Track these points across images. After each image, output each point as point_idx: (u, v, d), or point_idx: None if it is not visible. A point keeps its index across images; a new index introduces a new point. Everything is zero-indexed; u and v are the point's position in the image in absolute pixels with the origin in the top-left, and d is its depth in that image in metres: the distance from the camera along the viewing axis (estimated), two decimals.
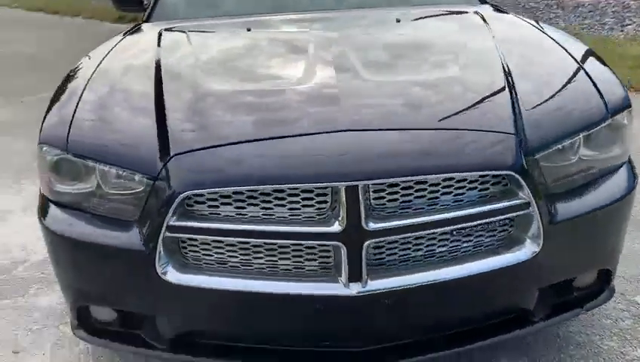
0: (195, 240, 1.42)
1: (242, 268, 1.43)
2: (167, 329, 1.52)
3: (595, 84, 1.65)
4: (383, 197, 1.35)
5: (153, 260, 1.39)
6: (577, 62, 1.78)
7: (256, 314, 1.45)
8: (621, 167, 1.66)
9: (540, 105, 1.58)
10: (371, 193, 1.34)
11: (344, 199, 1.29)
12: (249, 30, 2.18)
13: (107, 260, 1.49)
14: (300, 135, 1.41)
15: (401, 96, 1.59)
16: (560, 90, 1.66)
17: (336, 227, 1.31)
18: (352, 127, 1.39)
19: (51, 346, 1.97)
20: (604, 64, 1.81)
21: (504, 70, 1.71)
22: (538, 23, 2.22)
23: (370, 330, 1.46)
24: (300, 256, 1.40)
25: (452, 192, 1.38)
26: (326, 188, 1.31)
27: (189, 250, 1.44)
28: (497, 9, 2.52)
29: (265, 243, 1.39)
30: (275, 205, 1.35)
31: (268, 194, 1.35)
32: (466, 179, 1.38)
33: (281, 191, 1.34)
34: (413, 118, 1.48)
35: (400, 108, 1.52)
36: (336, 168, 1.30)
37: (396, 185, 1.34)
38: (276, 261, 1.41)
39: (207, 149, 1.40)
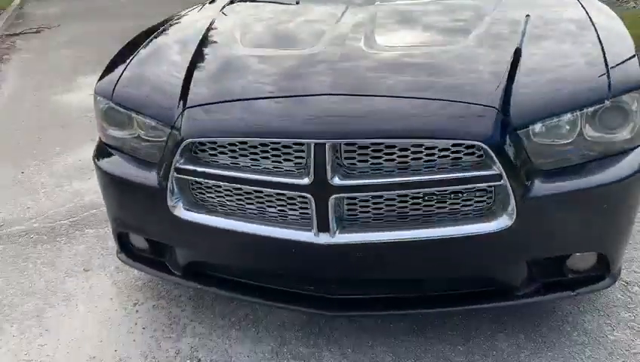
0: (200, 183, 1.65)
1: (237, 211, 1.64)
2: (180, 258, 1.79)
3: (605, 62, 1.61)
4: (354, 158, 1.48)
5: (165, 196, 1.65)
6: (598, 38, 1.73)
7: (245, 253, 1.66)
8: (630, 151, 1.60)
9: (536, 81, 1.58)
10: (343, 153, 1.47)
11: (313, 155, 1.44)
12: (297, 3, 2.36)
13: (137, 194, 1.77)
14: (286, 96, 1.57)
15: (396, 66, 1.68)
16: (565, 67, 1.64)
17: (305, 180, 1.47)
18: (332, 92, 1.53)
19: (113, 269, 2.34)
20: (628, 42, 1.74)
21: (517, 45, 1.72)
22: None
23: (338, 279, 1.60)
24: (283, 205, 1.57)
25: (422, 158, 1.47)
26: (302, 144, 1.47)
27: (197, 191, 1.67)
28: None
29: (254, 190, 1.58)
30: (261, 157, 1.54)
31: (255, 147, 1.53)
32: (436, 147, 1.45)
33: (266, 145, 1.52)
34: (396, 86, 1.57)
35: (388, 77, 1.61)
36: (309, 127, 1.45)
37: (366, 147, 1.46)
38: (264, 207, 1.60)
39: (209, 105, 1.62)
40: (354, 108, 1.49)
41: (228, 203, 1.64)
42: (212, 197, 1.66)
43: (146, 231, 1.83)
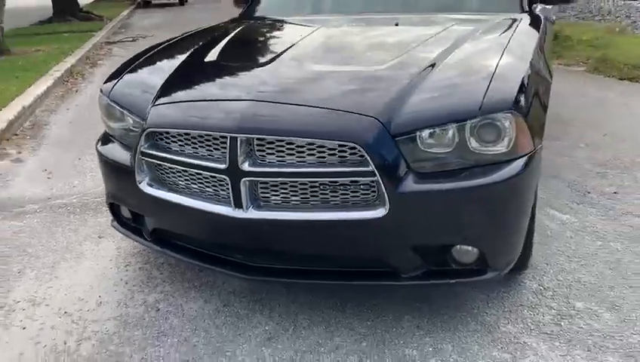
0: (160, 164, 2.10)
1: (184, 188, 2.07)
2: (148, 225, 2.25)
3: (489, 83, 1.89)
4: (264, 151, 1.87)
5: (134, 174, 2.12)
6: (499, 61, 2.01)
7: (188, 223, 2.09)
8: (507, 162, 1.87)
9: (426, 97, 1.89)
10: (255, 146, 1.87)
11: (229, 146, 1.85)
12: (291, 24, 2.81)
13: (120, 173, 2.25)
14: (221, 100, 2.01)
15: (313, 81, 2.05)
16: (457, 85, 1.94)
17: (223, 165, 1.88)
18: (255, 98, 1.93)
19: (120, 238, 2.84)
20: (521, 67, 2.00)
21: (429, 66, 2.04)
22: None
23: (255, 249, 2.00)
24: (215, 185, 1.98)
25: (315, 154, 1.83)
26: (225, 137, 1.88)
27: (159, 171, 2.13)
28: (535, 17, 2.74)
29: (195, 172, 2.01)
30: (199, 146, 1.97)
31: (195, 138, 1.97)
32: (325, 146, 1.81)
33: (202, 136, 1.94)
34: (305, 97, 1.94)
35: (304, 89, 1.99)
36: (229, 124, 1.86)
37: (272, 142, 1.85)
38: (203, 187, 2.02)
39: (167, 104, 2.07)
40: (265, 112, 1.88)
41: (178, 181, 2.08)
42: (168, 177, 2.11)
43: (125, 202, 2.31)
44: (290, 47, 2.39)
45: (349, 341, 2.04)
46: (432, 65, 2.07)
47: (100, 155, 2.35)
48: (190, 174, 2.03)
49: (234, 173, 1.86)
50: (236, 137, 1.84)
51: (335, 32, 2.57)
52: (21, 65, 7.63)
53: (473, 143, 1.83)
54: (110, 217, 2.52)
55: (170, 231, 2.21)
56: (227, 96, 2.03)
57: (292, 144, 1.83)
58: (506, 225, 1.92)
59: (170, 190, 2.09)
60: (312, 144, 1.82)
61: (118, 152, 2.26)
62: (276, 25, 3.06)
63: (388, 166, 1.79)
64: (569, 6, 12.20)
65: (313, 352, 2.00)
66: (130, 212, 2.36)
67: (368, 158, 1.76)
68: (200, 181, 2.02)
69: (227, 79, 2.17)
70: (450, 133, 1.82)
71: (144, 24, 14.12)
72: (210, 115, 1.95)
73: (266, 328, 2.14)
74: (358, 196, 1.86)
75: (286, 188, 1.89)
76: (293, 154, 1.85)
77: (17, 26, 14.35)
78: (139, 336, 2.13)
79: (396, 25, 2.65)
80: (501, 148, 1.85)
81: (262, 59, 2.29)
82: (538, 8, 3.02)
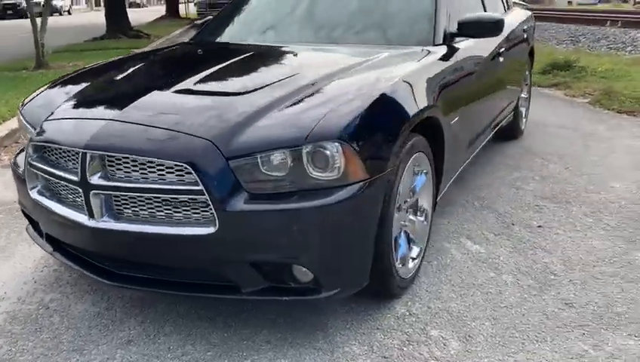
0: (44, 174, 2.31)
1: (59, 196, 2.27)
2: (42, 229, 2.46)
3: (327, 113, 2.00)
4: (114, 166, 2.04)
5: (25, 182, 2.35)
6: (354, 95, 2.13)
7: (61, 228, 2.28)
8: (337, 188, 1.96)
9: (267, 124, 2.01)
10: (107, 161, 2.04)
11: (80, 160, 2.04)
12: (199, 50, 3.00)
13: (21, 182, 2.48)
14: (82, 118, 2.20)
15: (179, 104, 2.21)
16: (301, 113, 2.05)
17: (76, 178, 2.06)
18: (113, 118, 2.11)
19: None
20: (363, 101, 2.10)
21: (289, 95, 2.17)
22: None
23: (108, 256, 2.16)
24: (76, 196, 2.16)
25: (156, 172, 1.98)
26: (77, 152, 2.06)
27: (47, 181, 2.34)
28: (453, 47, 2.86)
29: (64, 184, 2.20)
30: (61, 158, 2.17)
31: (60, 151, 2.16)
32: (164, 165, 1.96)
33: (63, 150, 2.14)
34: (159, 119, 2.10)
35: (162, 111, 2.15)
36: (80, 141, 2.05)
37: (118, 159, 2.02)
38: (68, 195, 2.21)
39: (49, 120, 2.29)
40: (116, 131, 2.06)
41: (59, 191, 2.28)
42: (53, 186, 2.31)
43: (27, 208, 2.54)
44: (184, 71, 2.58)
45: (198, 349, 2.17)
46: (293, 95, 2.19)
47: (12, 165, 2.59)
48: (61, 185, 2.23)
49: (84, 185, 2.05)
50: (85, 153, 2.02)
51: (238, 59, 2.74)
52: (51, 77, 8.21)
53: (309, 169, 1.94)
54: None
55: (53, 235, 2.41)
56: (94, 115, 2.23)
57: (136, 161, 2.00)
58: (334, 249, 2.01)
59: (52, 198, 2.29)
60: (152, 162, 1.98)
61: (21, 163, 2.50)
62: (201, 49, 3.27)
63: (217, 186, 1.91)
64: (602, 36, 11.95)
65: (160, 357, 2.13)
66: (29, 217, 2.58)
67: (197, 178, 1.90)
68: (67, 191, 2.21)
69: (107, 100, 2.37)
70: (284, 158, 1.93)
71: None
72: (71, 131, 2.15)
73: (132, 332, 2.29)
74: (197, 213, 1.99)
75: (135, 202, 2.05)
76: (137, 171, 2.01)
77: (72, 42, 15.34)
78: (17, 330, 2.32)
79: (294, 55, 2.79)
80: (332, 174, 1.95)
81: (150, 83, 2.49)
82: (463, 42, 3.07)
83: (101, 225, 2.06)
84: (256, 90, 2.26)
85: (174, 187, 1.96)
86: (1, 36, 16.89)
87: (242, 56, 2.78)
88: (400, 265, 2.39)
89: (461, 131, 2.99)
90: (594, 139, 4.93)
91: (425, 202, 2.66)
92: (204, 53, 3.17)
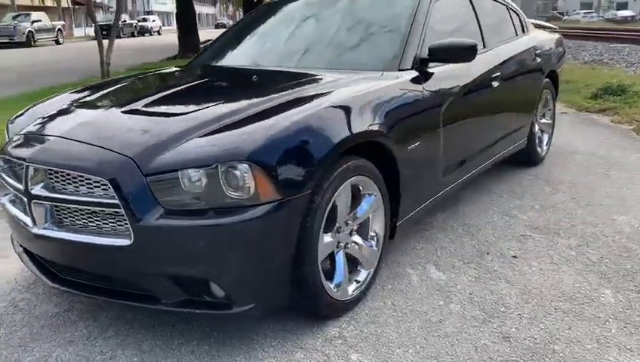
0: (5, 183, 2.54)
1: (18, 203, 2.48)
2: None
3: (243, 136, 2.10)
4: (52, 179, 2.22)
5: None
6: (276, 119, 2.22)
7: (21, 235, 2.48)
8: (248, 208, 2.04)
9: (191, 145, 2.12)
10: (47, 174, 2.23)
11: (24, 172, 2.24)
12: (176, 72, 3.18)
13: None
14: (38, 134, 2.41)
15: (121, 123, 2.37)
16: (221, 136, 2.15)
17: (22, 187, 2.27)
18: (60, 135, 2.31)
19: None
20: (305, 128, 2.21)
21: (221, 118, 2.27)
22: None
23: (46, 258, 2.35)
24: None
25: (85, 185, 2.15)
26: (22, 165, 2.27)
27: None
28: (424, 72, 2.92)
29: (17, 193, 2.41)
30: (16, 170, 2.38)
31: (14, 162, 2.38)
32: (91, 178, 2.12)
33: (15, 162, 2.35)
34: (95, 136, 2.26)
35: (103, 129, 2.32)
36: (25, 154, 2.26)
37: (56, 172, 2.20)
38: (20, 202, 2.42)
39: (16, 135, 2.52)
40: (56, 147, 2.25)
41: (17, 199, 2.50)
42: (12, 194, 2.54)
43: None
44: (147, 92, 2.77)
45: (126, 354, 2.29)
46: (223, 117, 2.29)
47: None
48: (17, 194, 2.44)
49: (27, 195, 2.25)
50: (28, 166, 2.22)
51: (199, 82, 2.90)
52: None
53: (225, 188, 2.03)
54: None
55: (16, 239, 2.63)
56: (48, 132, 2.43)
57: (69, 175, 2.17)
58: (244, 266, 2.08)
59: (16, 205, 2.51)
60: (82, 176, 2.14)
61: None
62: (181, 71, 3.45)
63: (133, 201, 2.04)
64: None
65: (90, 359, 2.27)
66: None
67: (114, 192, 2.04)
68: (19, 200, 2.42)
69: (67, 118, 2.57)
70: (199, 176, 2.04)
71: None
72: (24, 146, 2.36)
73: (76, 334, 2.45)
74: (119, 225, 2.13)
75: (71, 213, 2.22)
76: (71, 184, 2.18)
77: (149, 61, 16.32)
78: None
79: (253, 78, 2.90)
80: (243, 194, 2.03)
81: (111, 103, 2.68)
82: (439, 68, 3.06)
83: (41, 231, 2.25)
84: (192, 112, 2.38)
85: (98, 200, 2.11)
86: (83, 55, 18.19)
87: (204, 80, 2.95)
88: (334, 287, 2.41)
89: (428, 158, 2.97)
90: (618, 169, 4.67)
91: (377, 227, 2.67)
92: (180, 75, 3.35)
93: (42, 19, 31.12)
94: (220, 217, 2.03)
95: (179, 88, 2.79)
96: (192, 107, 2.47)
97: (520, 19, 4.53)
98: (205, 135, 2.17)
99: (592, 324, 2.42)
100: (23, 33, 29.01)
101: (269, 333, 2.39)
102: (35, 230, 2.27)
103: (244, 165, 2.01)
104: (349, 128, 2.34)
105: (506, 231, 3.43)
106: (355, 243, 2.56)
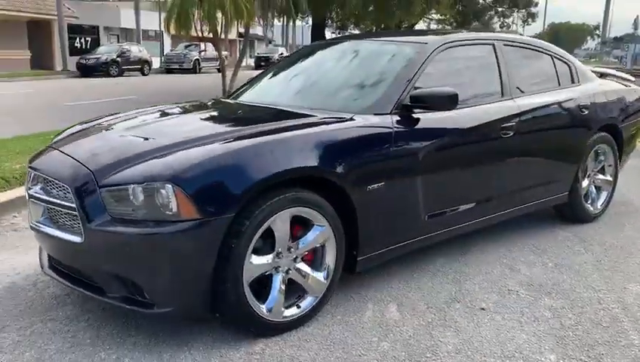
0: None
1: None
2: None
3: (175, 160, 2.47)
4: (47, 185, 2.75)
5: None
6: (209, 150, 2.56)
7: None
8: (171, 223, 2.37)
9: (140, 165, 2.52)
10: (46, 181, 2.77)
11: (28, 176, 2.80)
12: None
13: None
14: (52, 147, 2.96)
15: (109, 143, 2.83)
16: (162, 161, 2.52)
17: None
18: (60, 149, 2.84)
19: None
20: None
21: (184, 145, 2.65)
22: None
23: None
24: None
25: (62, 191, 2.62)
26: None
27: None
28: (405, 117, 3.09)
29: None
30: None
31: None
32: (63, 185, 2.60)
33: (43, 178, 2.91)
34: (79, 152, 2.75)
35: (93, 147, 2.79)
36: (31, 162, 2.81)
37: (45, 178, 2.72)
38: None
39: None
40: (52, 158, 2.79)
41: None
42: None
43: None
44: (154, 119, 3.24)
45: (85, 336, 2.72)
46: (181, 145, 2.64)
47: None
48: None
49: (28, 194, 2.80)
50: (30, 171, 2.78)
51: (193, 114, 3.36)
52: None
53: (157, 202, 2.40)
54: None
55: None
56: (57, 146, 2.97)
57: (52, 181, 2.69)
58: (162, 273, 2.41)
59: None
60: (58, 182, 2.64)
61: None
62: (210, 106, 3.86)
63: (86, 206, 2.49)
64: None
65: (62, 330, 2.73)
66: None
67: (72, 197, 2.50)
68: None
69: (76, 136, 3.12)
70: (136, 192, 2.42)
71: None
72: (36, 156, 2.94)
73: (60, 314, 2.94)
74: (77, 224, 2.57)
75: (56, 212, 2.72)
76: (55, 189, 2.69)
77: None
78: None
79: (239, 112, 3.23)
80: (168, 211, 2.38)
81: (121, 125, 3.20)
82: (426, 114, 3.17)
83: (35, 226, 2.78)
84: (159, 138, 2.78)
85: (66, 203, 2.58)
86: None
87: (201, 112, 3.37)
88: (265, 308, 2.63)
89: (400, 200, 3.07)
90: None
91: (329, 258, 2.84)
92: (188, 108, 3.75)
93: (208, 49, 34.55)
94: (144, 228, 2.39)
95: (173, 118, 3.24)
96: (165, 134, 2.89)
97: (571, 69, 4.37)
98: (155, 158, 2.55)
99: None
100: (191, 61, 32.47)
101: (203, 341, 2.66)
102: (32, 223, 2.81)
103: (169, 186, 2.35)
104: (285, 163, 2.57)
105: (496, 284, 3.36)
106: (299, 270, 2.76)
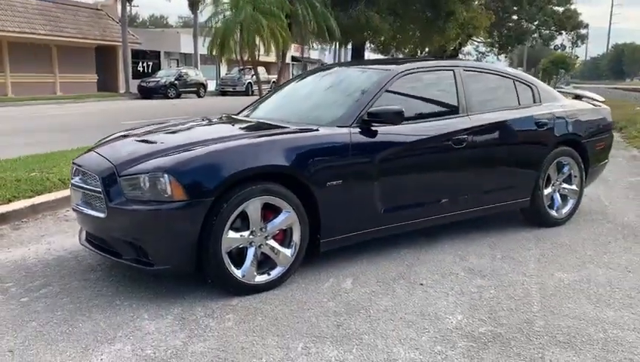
0: None
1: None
2: None
3: (174, 155, 3.34)
4: (83, 176, 3.69)
5: None
6: (201, 150, 3.42)
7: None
8: (166, 202, 3.25)
9: (151, 161, 3.42)
10: (81, 171, 3.71)
11: (71, 168, 3.76)
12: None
13: None
14: (91, 149, 3.91)
15: (128, 145, 3.76)
16: (163, 157, 3.40)
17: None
18: (95, 150, 3.79)
19: None
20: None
21: (177, 148, 3.54)
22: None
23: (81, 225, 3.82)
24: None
25: (93, 180, 3.56)
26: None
27: None
28: (364, 129, 3.87)
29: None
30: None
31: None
32: (94, 176, 3.53)
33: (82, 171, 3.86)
34: (108, 152, 3.68)
35: (118, 148, 3.72)
36: (75, 159, 3.77)
37: (82, 170, 3.66)
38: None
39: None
40: (89, 156, 3.74)
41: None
42: None
43: None
44: (170, 129, 4.17)
45: (102, 299, 3.61)
46: (180, 147, 3.54)
47: None
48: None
49: (71, 183, 3.77)
50: (73, 166, 3.74)
51: (207, 123, 4.24)
52: None
53: (158, 188, 3.29)
54: None
55: None
56: (94, 148, 3.93)
57: (87, 172, 3.63)
58: (160, 239, 3.28)
59: None
60: (92, 173, 3.58)
61: None
62: (214, 120, 4.73)
63: (109, 191, 3.40)
64: None
65: (96, 297, 3.64)
66: None
67: (101, 184, 3.43)
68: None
69: (111, 140, 4.08)
70: (144, 180, 3.32)
71: None
72: (80, 157, 3.90)
73: (91, 276, 3.86)
74: (102, 204, 3.48)
75: (89, 196, 3.65)
76: (90, 178, 3.63)
77: None
78: (31, 263, 4.11)
79: (233, 124, 4.12)
80: (165, 193, 3.26)
81: (144, 131, 4.14)
82: (384, 128, 3.94)
83: (75, 207, 3.73)
84: (166, 142, 3.69)
85: (96, 188, 3.51)
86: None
87: (211, 124, 4.26)
88: (239, 273, 3.45)
89: (357, 195, 3.84)
90: (633, 239, 4.79)
91: (296, 237, 3.65)
92: (202, 122, 4.65)
93: (261, 73, 36.16)
94: (149, 206, 3.27)
95: (182, 128, 4.15)
96: (174, 139, 3.80)
97: (533, 91, 5.02)
98: (160, 156, 3.45)
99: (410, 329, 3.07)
100: (244, 84, 34.13)
101: (196, 296, 3.50)
102: (73, 206, 3.76)
103: (166, 175, 3.23)
104: (252, 162, 3.42)
105: (442, 269, 4.04)
106: (270, 246, 3.57)
